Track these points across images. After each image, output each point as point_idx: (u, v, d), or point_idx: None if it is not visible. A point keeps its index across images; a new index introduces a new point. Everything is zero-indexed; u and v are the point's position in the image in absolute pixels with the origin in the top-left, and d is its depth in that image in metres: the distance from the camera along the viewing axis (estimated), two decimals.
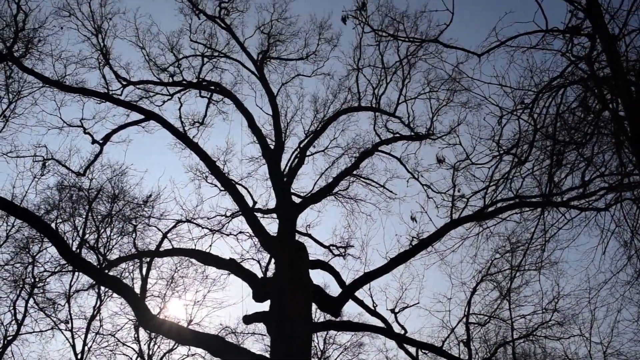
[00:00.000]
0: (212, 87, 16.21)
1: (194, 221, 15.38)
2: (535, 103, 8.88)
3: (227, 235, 15.85)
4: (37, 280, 19.35)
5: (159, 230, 15.72)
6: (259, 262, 15.83)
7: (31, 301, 19.54)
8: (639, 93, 8.73)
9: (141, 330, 20.85)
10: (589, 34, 8.57)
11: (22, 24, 14.74)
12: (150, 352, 21.63)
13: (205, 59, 16.60)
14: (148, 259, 13.61)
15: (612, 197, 10.82)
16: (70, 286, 19.91)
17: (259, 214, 14.64)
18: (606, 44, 7.96)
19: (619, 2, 8.63)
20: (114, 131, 15.11)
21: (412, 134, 15.64)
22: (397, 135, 15.76)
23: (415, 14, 15.09)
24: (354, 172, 15.61)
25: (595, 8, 7.79)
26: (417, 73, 15.74)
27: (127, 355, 21.61)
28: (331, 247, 16.12)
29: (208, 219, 15.84)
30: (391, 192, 16.19)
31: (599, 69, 8.68)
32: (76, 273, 18.86)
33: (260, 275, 13.59)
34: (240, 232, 15.77)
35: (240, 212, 14.43)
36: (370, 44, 15.63)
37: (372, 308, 13.82)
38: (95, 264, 15.26)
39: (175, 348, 21.93)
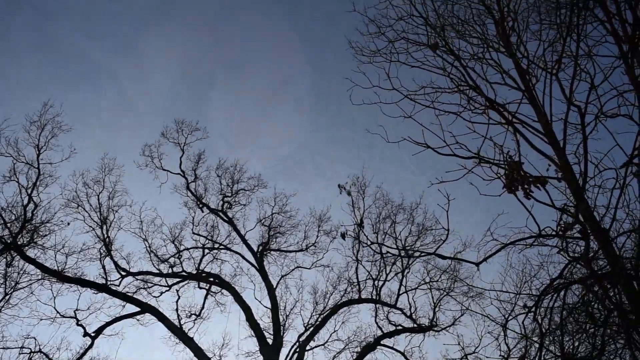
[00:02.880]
0: (212, 279, 16.20)
1: None
2: (538, 305, 8.79)
3: None
4: None
5: None
6: None
7: None
8: None
9: None
10: (582, 232, 8.76)
11: (31, 214, 15.22)
12: None
13: (206, 251, 16.85)
14: None
15: None
16: None
17: None
18: (601, 243, 8.10)
19: (606, 200, 8.95)
20: (108, 324, 14.85)
21: (415, 325, 15.30)
22: (400, 327, 15.43)
23: (412, 205, 15.88)
24: None
25: (586, 212, 8.07)
26: (417, 262, 15.90)
27: None
28: None
29: None
30: None
31: (600, 268, 8.71)
32: None
33: None
34: None
35: None
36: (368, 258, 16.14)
37: None
38: None
39: None
